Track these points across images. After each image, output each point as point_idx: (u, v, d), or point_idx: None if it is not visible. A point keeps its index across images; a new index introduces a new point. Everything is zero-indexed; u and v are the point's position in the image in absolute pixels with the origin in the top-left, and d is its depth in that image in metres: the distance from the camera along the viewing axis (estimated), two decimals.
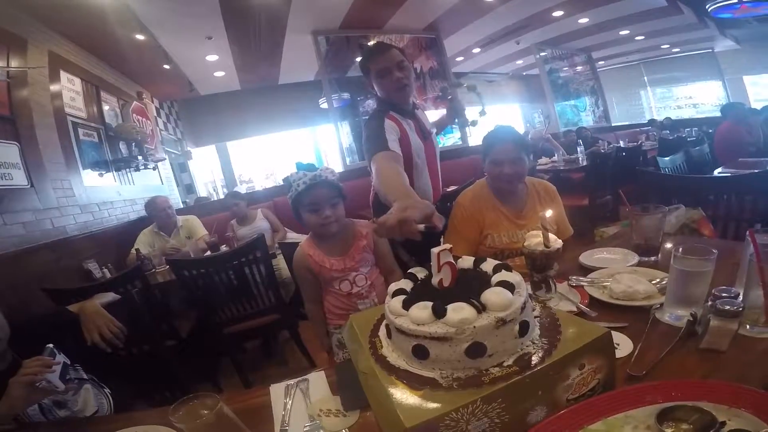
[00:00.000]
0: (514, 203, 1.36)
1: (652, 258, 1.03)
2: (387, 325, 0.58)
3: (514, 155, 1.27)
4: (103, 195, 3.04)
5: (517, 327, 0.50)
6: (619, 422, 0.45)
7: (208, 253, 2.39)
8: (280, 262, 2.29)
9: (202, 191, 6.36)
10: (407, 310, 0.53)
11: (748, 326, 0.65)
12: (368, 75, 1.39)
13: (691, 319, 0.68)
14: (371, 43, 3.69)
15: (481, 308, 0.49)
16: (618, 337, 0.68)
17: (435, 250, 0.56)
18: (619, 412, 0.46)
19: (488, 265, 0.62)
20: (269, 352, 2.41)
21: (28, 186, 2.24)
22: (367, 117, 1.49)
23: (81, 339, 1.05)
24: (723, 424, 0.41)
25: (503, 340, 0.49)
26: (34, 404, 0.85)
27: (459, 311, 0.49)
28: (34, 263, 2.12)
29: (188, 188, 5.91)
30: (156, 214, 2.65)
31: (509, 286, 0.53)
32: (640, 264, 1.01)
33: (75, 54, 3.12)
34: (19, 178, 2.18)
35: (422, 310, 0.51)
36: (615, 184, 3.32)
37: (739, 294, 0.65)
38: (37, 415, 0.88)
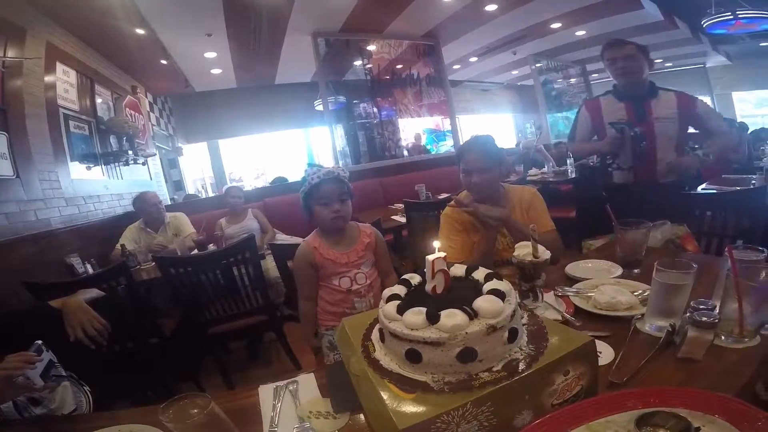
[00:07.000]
0: None
1: (635, 270, 1.06)
2: (380, 329, 0.59)
3: (481, 165, 1.26)
4: (90, 188, 2.97)
5: (506, 334, 0.52)
6: (601, 427, 0.47)
7: (196, 251, 2.36)
8: (268, 263, 2.27)
9: (190, 188, 6.26)
10: (401, 315, 0.54)
11: (723, 337, 0.69)
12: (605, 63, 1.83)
13: (670, 329, 0.71)
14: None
15: (473, 315, 0.51)
16: (601, 346, 0.70)
17: (430, 258, 0.57)
18: (601, 417, 0.48)
19: (480, 273, 0.64)
20: (253, 353, 2.38)
21: (14, 176, 2.18)
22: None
23: (63, 335, 1.03)
24: (698, 429, 0.43)
25: (493, 346, 0.51)
26: (8, 400, 0.83)
27: (452, 317, 0.50)
28: (16, 256, 2.06)
29: (177, 185, 5.81)
30: (145, 209, 2.60)
31: (500, 295, 0.54)
32: (623, 276, 1.04)
33: (72, 46, 3.06)
34: (4, 168, 2.13)
35: (416, 315, 0.52)
36: (602, 198, 3.39)
37: (715, 306, 0.68)
38: (12, 413, 0.85)
